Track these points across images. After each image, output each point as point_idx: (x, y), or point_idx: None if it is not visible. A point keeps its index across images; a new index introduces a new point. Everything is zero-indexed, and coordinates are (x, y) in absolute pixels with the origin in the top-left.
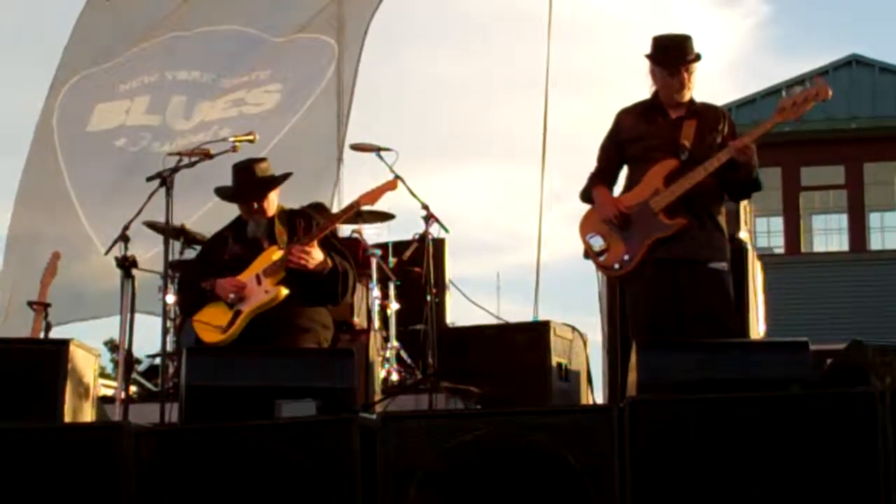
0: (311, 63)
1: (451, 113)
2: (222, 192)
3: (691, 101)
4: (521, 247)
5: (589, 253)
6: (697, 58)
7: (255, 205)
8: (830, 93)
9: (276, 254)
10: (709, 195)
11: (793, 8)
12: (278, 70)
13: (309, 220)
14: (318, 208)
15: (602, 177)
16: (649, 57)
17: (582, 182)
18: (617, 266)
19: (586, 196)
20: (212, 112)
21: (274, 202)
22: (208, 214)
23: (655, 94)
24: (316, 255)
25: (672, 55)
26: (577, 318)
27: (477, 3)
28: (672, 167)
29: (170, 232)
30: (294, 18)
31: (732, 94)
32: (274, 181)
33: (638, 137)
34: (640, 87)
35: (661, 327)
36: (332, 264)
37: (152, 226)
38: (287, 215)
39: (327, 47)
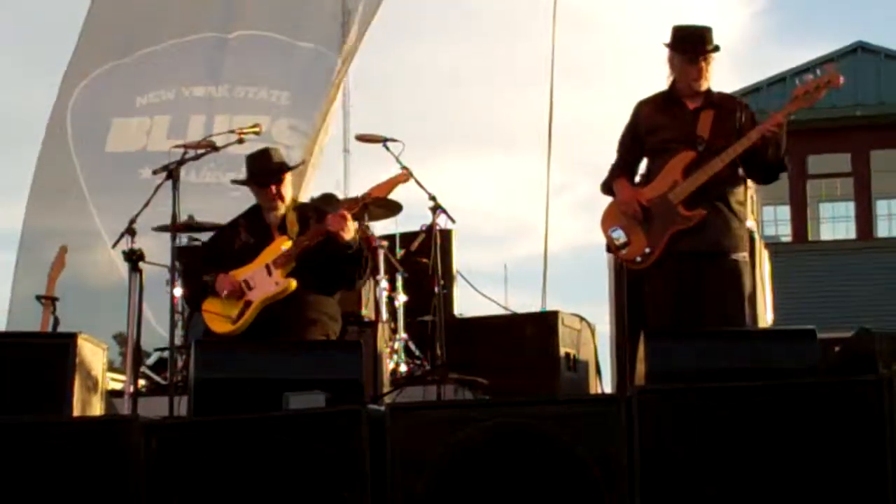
0: (319, 82)
1: (456, 104)
2: (240, 179)
3: (708, 92)
4: (527, 237)
5: (611, 246)
6: (716, 48)
7: (274, 188)
8: (842, 80)
9: (286, 244)
10: (727, 184)
11: None
12: (293, 92)
13: (322, 214)
14: (330, 199)
15: (622, 169)
16: (669, 45)
17: (585, 172)
18: (639, 259)
19: (607, 188)
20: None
21: (290, 190)
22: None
23: (673, 85)
24: (351, 227)
25: (692, 43)
26: (585, 308)
27: None
28: (690, 159)
29: (177, 226)
30: (305, 19)
31: (735, 83)
32: (291, 166)
33: (656, 128)
34: (641, 77)
35: (681, 318)
36: (359, 243)
37: (163, 230)
38: (299, 209)
39: (330, 60)
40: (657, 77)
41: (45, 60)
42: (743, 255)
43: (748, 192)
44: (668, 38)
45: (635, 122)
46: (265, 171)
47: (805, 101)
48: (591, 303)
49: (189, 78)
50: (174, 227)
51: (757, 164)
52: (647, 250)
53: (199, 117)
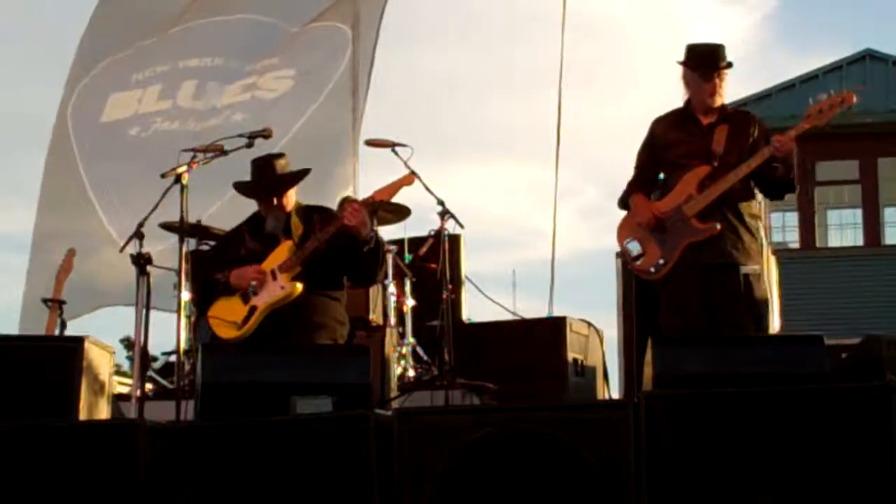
0: (326, 49)
1: (466, 109)
2: (241, 188)
3: (722, 108)
4: (536, 242)
5: (626, 257)
6: (729, 65)
7: (275, 201)
8: (855, 99)
9: (291, 248)
10: (740, 198)
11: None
12: (291, 56)
13: (327, 215)
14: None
15: (638, 184)
16: (683, 63)
17: (594, 178)
18: (653, 270)
19: (624, 203)
20: (223, 98)
21: (292, 198)
22: (224, 208)
23: (688, 102)
24: (368, 221)
25: (706, 61)
26: (593, 314)
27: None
28: (705, 173)
29: (185, 229)
30: (310, 8)
31: (743, 90)
32: (294, 177)
33: (671, 144)
34: (644, 82)
35: (692, 330)
36: (377, 235)
37: (168, 227)
38: (304, 210)
39: (340, 33)
40: (663, 82)
41: (47, 62)
42: (754, 269)
43: (757, 198)
44: (682, 57)
45: (651, 139)
46: (266, 183)
47: (818, 120)
48: (599, 308)
49: (186, 53)
50: (182, 232)
51: (767, 180)
52: (661, 261)
53: (190, 82)
